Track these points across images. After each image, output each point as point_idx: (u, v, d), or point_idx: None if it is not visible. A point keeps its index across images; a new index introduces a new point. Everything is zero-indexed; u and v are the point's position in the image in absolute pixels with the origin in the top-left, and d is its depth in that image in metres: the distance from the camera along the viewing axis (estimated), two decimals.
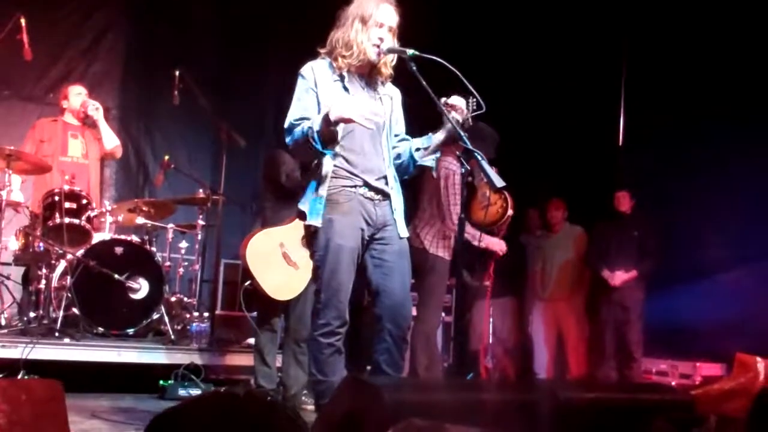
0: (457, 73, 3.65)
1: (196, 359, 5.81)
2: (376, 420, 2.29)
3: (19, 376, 4.79)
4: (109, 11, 8.63)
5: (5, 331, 5.71)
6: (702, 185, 7.46)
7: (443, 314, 6.56)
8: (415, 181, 5.59)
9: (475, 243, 5.69)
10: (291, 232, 5.30)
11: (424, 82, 3.70)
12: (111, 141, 6.86)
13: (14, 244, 6.29)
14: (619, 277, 7.29)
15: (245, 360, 6.06)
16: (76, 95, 6.83)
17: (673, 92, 7.98)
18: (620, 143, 8.81)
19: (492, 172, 3.54)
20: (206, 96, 6.89)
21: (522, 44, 9.00)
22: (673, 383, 7.00)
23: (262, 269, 5.31)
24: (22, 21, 5.86)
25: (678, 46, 8.00)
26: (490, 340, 7.58)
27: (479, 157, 3.58)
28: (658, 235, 7.35)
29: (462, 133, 3.68)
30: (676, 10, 8.01)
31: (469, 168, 3.82)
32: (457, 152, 3.92)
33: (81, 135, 6.83)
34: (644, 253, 7.31)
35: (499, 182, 3.55)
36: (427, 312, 5.74)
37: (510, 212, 6.02)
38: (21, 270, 6.53)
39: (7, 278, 6.18)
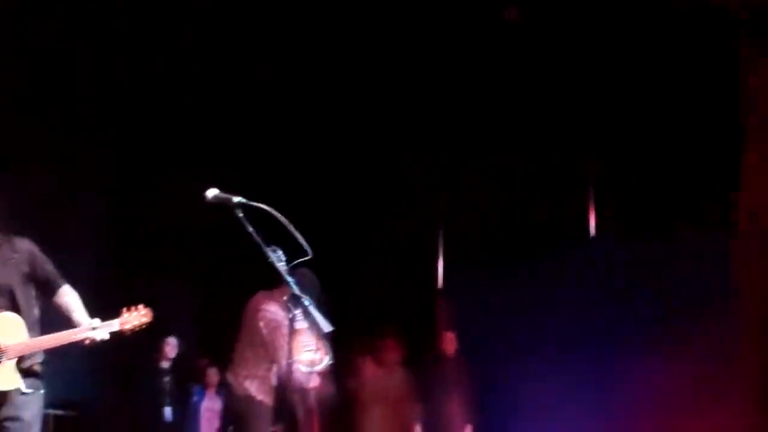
0: (282, 219, 3.71)
1: None
2: None
3: None
4: None
5: None
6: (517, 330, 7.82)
7: None
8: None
9: (309, 385, 5.59)
10: None
11: (250, 230, 3.72)
12: None
13: None
14: None
15: None
16: None
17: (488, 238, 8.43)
18: (438, 286, 9.12)
19: (320, 317, 3.59)
20: None
21: (344, 188, 9.30)
22: None
23: None
24: None
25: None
26: None
27: (307, 303, 3.62)
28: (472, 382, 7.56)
29: (289, 279, 3.73)
30: None
31: (296, 313, 3.84)
32: (284, 297, 3.95)
33: None
34: (468, 401, 7.46)
35: (327, 327, 3.60)
36: None
37: (330, 360, 6.02)
38: None
39: None
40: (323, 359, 5.82)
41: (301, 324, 5.57)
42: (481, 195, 8.67)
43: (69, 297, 4.19)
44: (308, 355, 5.69)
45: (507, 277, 8.08)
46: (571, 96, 7.94)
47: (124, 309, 4.14)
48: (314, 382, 5.82)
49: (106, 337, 4.04)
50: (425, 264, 9.15)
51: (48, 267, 4.17)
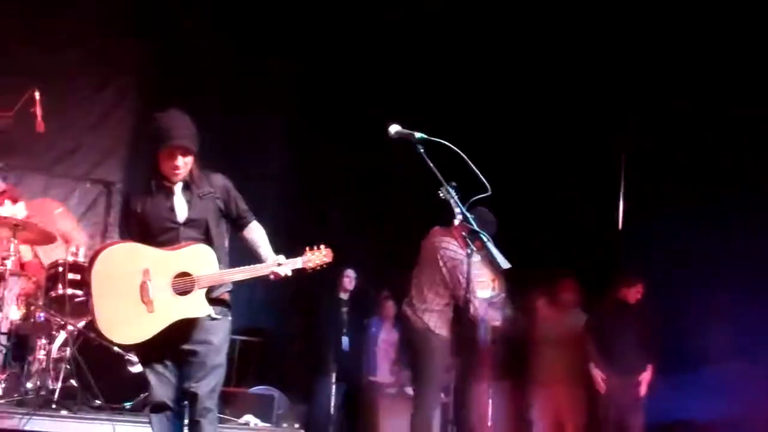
0: (463, 155, 3.74)
1: None
2: None
3: None
4: (120, 87, 8.82)
5: (3, 401, 5.65)
6: (703, 273, 7.52)
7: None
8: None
9: (484, 319, 5.69)
10: (169, 260, 4.09)
11: (431, 165, 3.78)
12: None
13: (15, 313, 6.28)
14: (647, 375, 7.34)
15: None
16: None
17: (672, 178, 8.12)
18: (620, 227, 8.89)
19: (497, 254, 3.60)
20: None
21: (525, 131, 9.19)
22: None
23: (103, 291, 4.01)
24: (37, 95, 5.97)
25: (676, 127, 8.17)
26: (489, 423, 7.50)
27: (485, 239, 3.64)
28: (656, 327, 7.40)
29: (468, 215, 3.76)
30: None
31: (474, 249, 3.87)
32: (464, 233, 4.00)
33: None
34: (650, 346, 7.33)
35: (505, 263, 3.61)
36: (429, 392, 5.74)
37: (503, 294, 6.04)
38: (21, 339, 6.50)
39: (8, 348, 6.15)
40: (497, 293, 5.88)
41: (476, 258, 5.64)
42: (665, 135, 8.34)
43: (257, 233, 4.38)
44: (482, 288, 5.76)
45: (691, 220, 7.80)
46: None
47: (308, 248, 4.33)
48: (489, 315, 5.89)
49: (290, 273, 4.23)
50: (606, 204, 8.93)
51: (241, 203, 4.36)
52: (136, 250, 4.09)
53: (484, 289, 5.76)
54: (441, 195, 3.79)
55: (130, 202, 4.25)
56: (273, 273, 4.20)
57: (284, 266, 4.22)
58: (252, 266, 4.22)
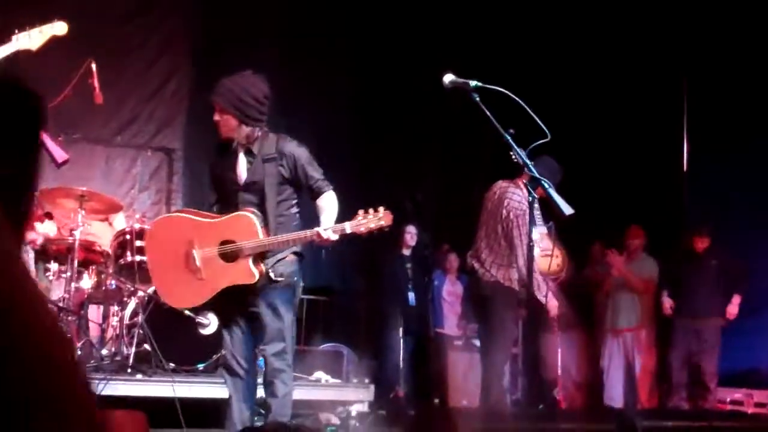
0: (521, 102, 3.68)
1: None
2: None
3: None
4: (174, 56, 8.87)
5: None
6: None
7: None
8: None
9: (538, 294, 5.61)
10: (212, 229, 4.16)
11: (488, 113, 3.74)
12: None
13: (87, 282, 6.43)
14: (734, 307, 7.24)
15: (306, 394, 6.12)
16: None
17: (737, 116, 7.90)
18: (685, 169, 8.71)
19: (560, 200, 3.55)
20: None
21: (584, 73, 9.00)
22: (749, 412, 6.88)
23: (156, 261, 4.34)
24: (93, 66, 6.00)
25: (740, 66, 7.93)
26: (560, 372, 7.49)
27: (547, 185, 3.60)
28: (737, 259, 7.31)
29: (529, 162, 3.71)
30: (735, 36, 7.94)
31: (536, 196, 3.83)
32: (524, 180, 3.94)
33: None
34: (730, 278, 7.26)
35: (568, 209, 3.56)
36: (499, 345, 5.73)
37: (564, 274, 5.98)
38: (94, 307, 6.66)
39: (81, 316, 6.30)
40: (560, 267, 5.80)
41: (541, 229, 5.58)
42: (729, 75, 8.10)
43: (325, 201, 4.25)
44: (546, 261, 5.69)
45: (756, 161, 7.61)
46: None
47: (362, 211, 4.07)
48: (549, 301, 5.79)
49: (334, 238, 4.03)
50: (671, 146, 8.74)
51: (312, 172, 4.23)
52: (180, 222, 4.21)
53: (547, 260, 5.68)
54: (513, 158, 3.71)
55: (214, 163, 4.36)
56: (317, 234, 4.04)
57: (328, 231, 4.03)
58: (296, 232, 4.14)
